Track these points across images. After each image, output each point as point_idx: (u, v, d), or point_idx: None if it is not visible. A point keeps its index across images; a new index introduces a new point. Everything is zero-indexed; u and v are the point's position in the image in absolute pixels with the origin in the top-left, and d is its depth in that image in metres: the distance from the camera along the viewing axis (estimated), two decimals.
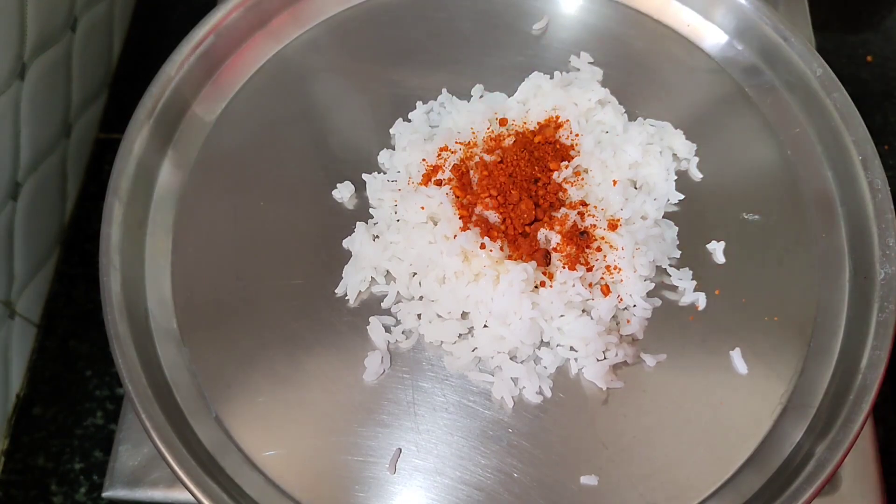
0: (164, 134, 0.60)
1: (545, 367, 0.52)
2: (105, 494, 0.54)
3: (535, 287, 0.52)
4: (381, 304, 0.54)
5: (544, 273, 0.52)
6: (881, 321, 0.52)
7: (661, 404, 0.51)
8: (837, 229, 0.57)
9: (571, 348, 0.52)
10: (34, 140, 0.64)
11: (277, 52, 0.64)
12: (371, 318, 0.54)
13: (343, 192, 0.58)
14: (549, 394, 0.51)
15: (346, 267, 0.55)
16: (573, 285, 0.52)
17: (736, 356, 0.52)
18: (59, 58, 0.66)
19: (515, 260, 0.52)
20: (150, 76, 0.59)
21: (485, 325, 0.52)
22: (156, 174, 0.59)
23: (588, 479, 0.49)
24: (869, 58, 0.78)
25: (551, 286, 0.52)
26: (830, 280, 0.55)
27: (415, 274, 0.54)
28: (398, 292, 0.54)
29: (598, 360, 0.51)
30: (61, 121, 0.69)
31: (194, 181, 0.60)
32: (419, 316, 0.54)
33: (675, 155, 0.59)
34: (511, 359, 0.52)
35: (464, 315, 0.53)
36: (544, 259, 0.53)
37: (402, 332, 0.54)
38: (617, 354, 0.51)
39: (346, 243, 0.56)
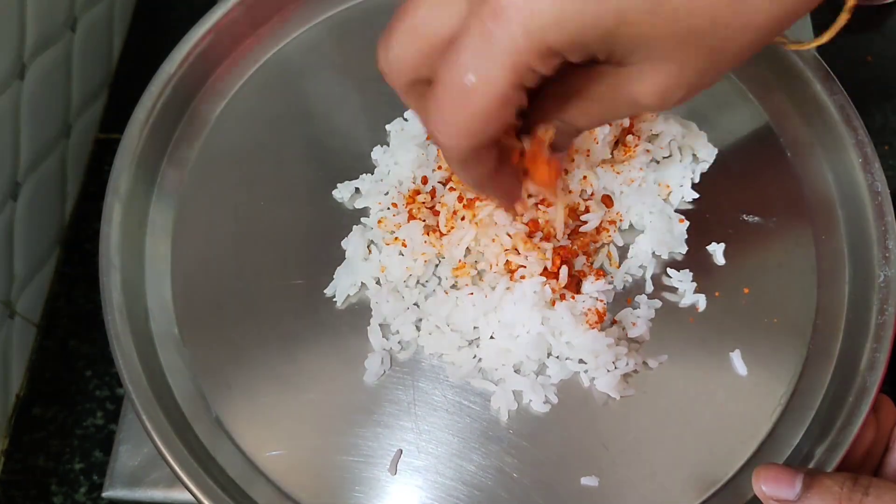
0: (163, 133, 0.60)
1: (549, 377, 0.52)
2: (105, 494, 0.54)
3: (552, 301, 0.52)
4: (372, 312, 0.54)
5: (558, 292, 0.52)
6: (880, 323, 0.52)
7: (662, 406, 0.51)
8: (837, 231, 0.57)
9: (580, 361, 0.52)
10: (34, 140, 0.64)
11: (277, 51, 0.64)
12: (371, 320, 0.54)
13: (343, 192, 0.58)
14: (555, 400, 0.51)
15: (338, 269, 0.55)
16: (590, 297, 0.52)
17: (736, 358, 0.52)
18: (59, 58, 0.66)
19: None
20: (150, 76, 0.59)
21: (491, 337, 0.52)
22: (156, 174, 0.59)
23: (588, 480, 0.49)
24: (869, 58, 0.77)
25: (573, 298, 0.51)
26: (830, 282, 0.55)
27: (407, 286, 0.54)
28: (389, 301, 0.54)
29: (608, 371, 0.51)
30: (61, 121, 0.69)
31: (194, 181, 0.60)
32: (417, 326, 0.53)
33: (695, 156, 0.59)
34: (515, 371, 0.52)
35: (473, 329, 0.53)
36: (577, 286, 0.52)
37: (399, 343, 0.53)
38: (627, 363, 0.51)
39: (344, 244, 0.56)
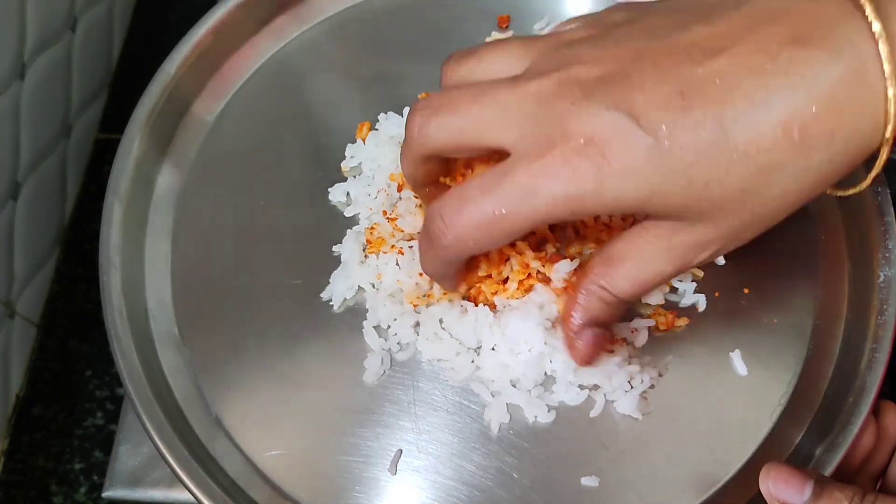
0: (163, 134, 0.60)
1: (553, 392, 0.51)
2: (105, 494, 0.54)
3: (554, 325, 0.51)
4: (367, 314, 0.54)
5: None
6: (880, 323, 0.52)
7: (662, 406, 0.51)
8: (837, 231, 0.57)
9: (594, 386, 0.51)
10: (34, 140, 0.64)
11: (277, 52, 0.64)
12: (365, 323, 0.53)
13: (336, 195, 0.58)
14: (554, 413, 0.51)
15: (334, 273, 0.55)
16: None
17: (736, 358, 0.52)
18: (59, 58, 0.66)
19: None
20: (150, 76, 0.59)
21: (493, 349, 0.51)
22: (155, 174, 0.59)
23: (588, 480, 0.49)
24: None
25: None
26: (830, 282, 0.55)
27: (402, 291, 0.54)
28: (386, 305, 0.53)
29: (626, 392, 0.51)
30: (61, 121, 0.69)
31: (194, 181, 0.59)
32: (416, 329, 0.53)
33: None
34: (513, 385, 0.51)
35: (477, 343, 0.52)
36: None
37: (398, 343, 0.53)
38: (642, 381, 0.51)
39: (338, 249, 0.56)
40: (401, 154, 0.46)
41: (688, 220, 0.38)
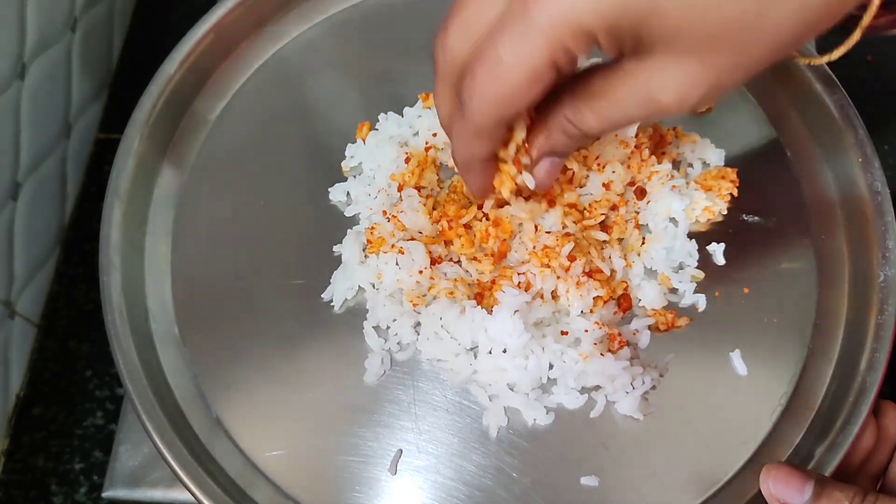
0: (163, 133, 0.60)
1: (551, 394, 0.51)
2: (105, 494, 0.54)
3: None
4: (367, 314, 0.54)
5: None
6: (880, 323, 0.52)
7: (662, 406, 0.51)
8: (837, 231, 0.57)
9: (596, 387, 0.51)
10: (34, 140, 0.64)
11: (277, 51, 0.64)
12: (365, 323, 0.53)
13: (337, 195, 0.58)
14: (553, 415, 0.51)
15: (335, 273, 0.55)
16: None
17: (736, 357, 0.52)
18: (59, 58, 0.66)
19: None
20: (150, 76, 0.59)
21: (489, 352, 0.51)
22: (155, 174, 0.59)
23: (588, 480, 0.49)
24: (869, 58, 0.78)
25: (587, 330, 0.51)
26: (830, 282, 0.55)
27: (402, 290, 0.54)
28: (385, 306, 0.53)
29: (627, 393, 0.51)
30: (61, 121, 0.69)
31: (194, 181, 0.59)
32: (416, 329, 0.53)
33: (705, 163, 0.59)
34: (510, 389, 0.51)
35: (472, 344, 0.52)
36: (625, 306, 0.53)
37: (398, 344, 0.53)
38: (644, 382, 0.51)
39: (338, 248, 0.56)
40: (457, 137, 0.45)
41: (675, 53, 0.37)
